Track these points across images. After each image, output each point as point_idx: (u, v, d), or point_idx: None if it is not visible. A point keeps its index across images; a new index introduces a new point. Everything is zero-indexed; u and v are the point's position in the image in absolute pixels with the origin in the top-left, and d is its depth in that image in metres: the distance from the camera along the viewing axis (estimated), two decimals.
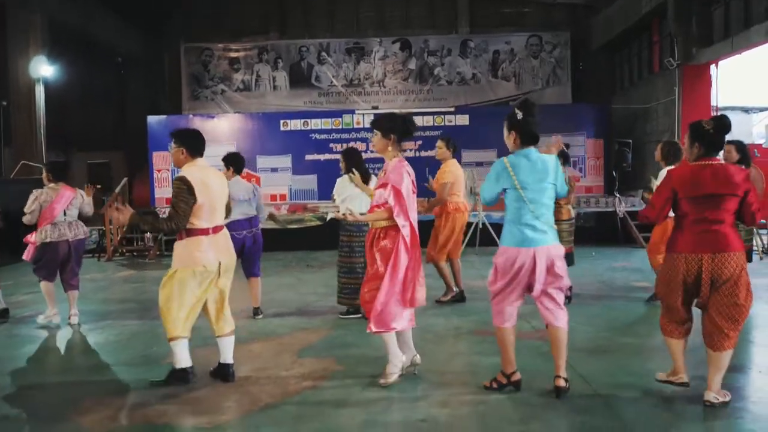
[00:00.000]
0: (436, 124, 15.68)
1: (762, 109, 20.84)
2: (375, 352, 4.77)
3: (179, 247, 4.11)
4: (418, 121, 15.64)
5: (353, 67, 18.04)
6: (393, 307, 4.09)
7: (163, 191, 15.40)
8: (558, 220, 6.45)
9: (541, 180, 3.89)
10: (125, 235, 12.50)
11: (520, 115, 3.94)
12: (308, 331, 5.88)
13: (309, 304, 7.25)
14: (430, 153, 16.25)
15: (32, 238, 6.27)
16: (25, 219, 6.20)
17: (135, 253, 12.20)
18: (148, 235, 12.33)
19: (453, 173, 6.61)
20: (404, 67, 18.02)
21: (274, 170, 15.63)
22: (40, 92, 13.32)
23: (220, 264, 4.12)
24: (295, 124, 15.66)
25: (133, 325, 6.37)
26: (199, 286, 4.08)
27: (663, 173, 6.15)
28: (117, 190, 12.78)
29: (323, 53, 18.04)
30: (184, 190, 3.97)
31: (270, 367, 4.73)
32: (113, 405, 3.99)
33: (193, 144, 4.22)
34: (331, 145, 15.59)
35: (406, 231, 4.07)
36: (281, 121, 15.75)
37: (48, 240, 6.14)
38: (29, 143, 13.18)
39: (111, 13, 16.31)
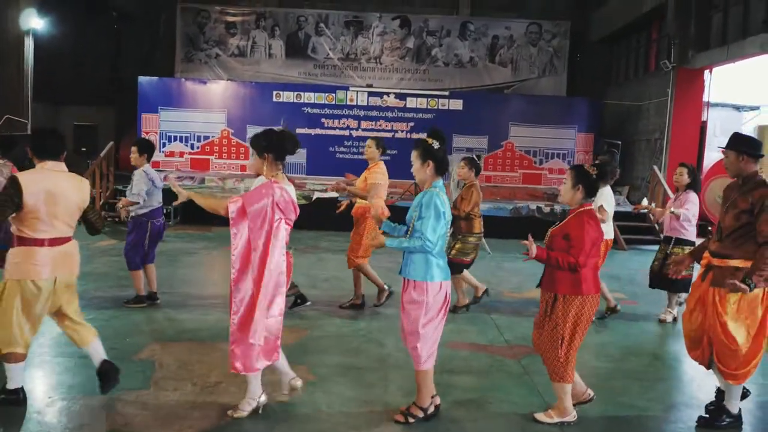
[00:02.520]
0: (429, 107, 15.63)
1: (753, 108, 20.89)
2: (352, 359, 4.69)
3: (12, 255, 3.73)
4: (412, 102, 15.68)
5: (351, 41, 17.85)
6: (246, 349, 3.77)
7: None
8: (470, 233, 6.49)
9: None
10: (107, 200, 12.43)
11: (436, 145, 3.81)
12: (284, 330, 5.87)
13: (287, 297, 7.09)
14: (422, 136, 16.18)
15: None
16: None
17: (117, 219, 12.08)
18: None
19: (384, 175, 6.33)
20: (402, 45, 17.86)
21: None
22: (29, 45, 13.08)
23: (56, 280, 3.74)
24: (288, 96, 15.57)
25: (108, 310, 6.04)
26: (32, 301, 3.70)
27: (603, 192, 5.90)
28: (102, 154, 12.63)
29: (321, 24, 17.82)
30: (7, 193, 3.61)
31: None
32: (75, 408, 3.89)
33: (40, 145, 3.83)
34: (323, 120, 15.53)
35: (236, 249, 3.69)
36: (274, 92, 15.64)
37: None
38: (16, 95, 12.99)
39: None
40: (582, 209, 3.85)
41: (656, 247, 6.80)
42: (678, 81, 13.15)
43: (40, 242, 3.71)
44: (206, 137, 15.50)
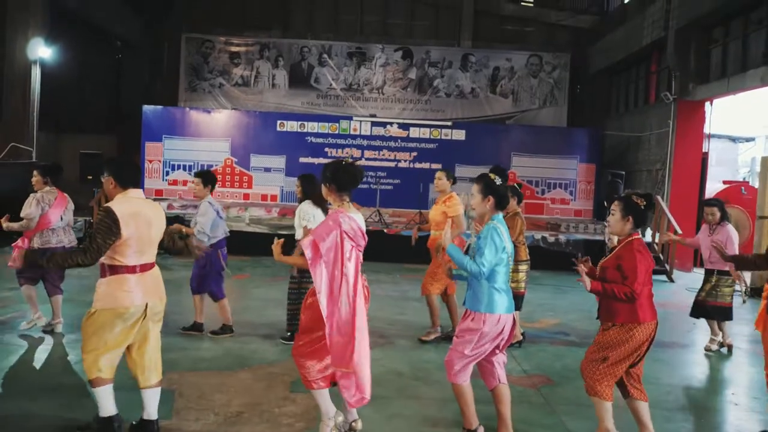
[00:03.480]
0: (432, 136, 15.75)
1: (748, 139, 21.13)
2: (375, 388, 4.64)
3: (102, 285, 3.77)
4: (415, 132, 15.82)
5: (353, 72, 18.06)
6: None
7: (153, 182, 15.36)
8: (518, 261, 6.29)
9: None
10: None
11: (498, 181, 3.95)
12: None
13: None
14: (425, 165, 16.41)
15: (22, 242, 5.98)
16: (22, 225, 5.89)
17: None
18: None
19: (462, 206, 6.38)
20: (404, 76, 18.07)
21: (267, 170, 15.64)
22: (36, 74, 13.20)
23: (147, 306, 3.78)
24: (292, 126, 15.68)
25: None
26: (122, 328, 3.72)
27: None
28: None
29: (324, 55, 18.04)
30: (106, 224, 3.65)
31: (261, 402, 4.55)
32: None
33: (124, 174, 3.87)
34: (327, 149, 15.63)
35: (320, 283, 3.69)
36: (278, 122, 15.76)
37: (47, 246, 5.90)
38: (21, 124, 13.07)
39: None
40: (632, 238, 3.87)
41: (663, 277, 6.90)
42: (679, 113, 13.30)
43: (132, 269, 3.76)
44: (210, 165, 15.51)
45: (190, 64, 18.00)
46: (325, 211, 5.76)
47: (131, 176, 3.90)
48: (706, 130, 13.56)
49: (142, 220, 3.76)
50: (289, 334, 6.05)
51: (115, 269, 3.73)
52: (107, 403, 3.75)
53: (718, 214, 6.64)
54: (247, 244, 10.86)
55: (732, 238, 6.52)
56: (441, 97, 18.09)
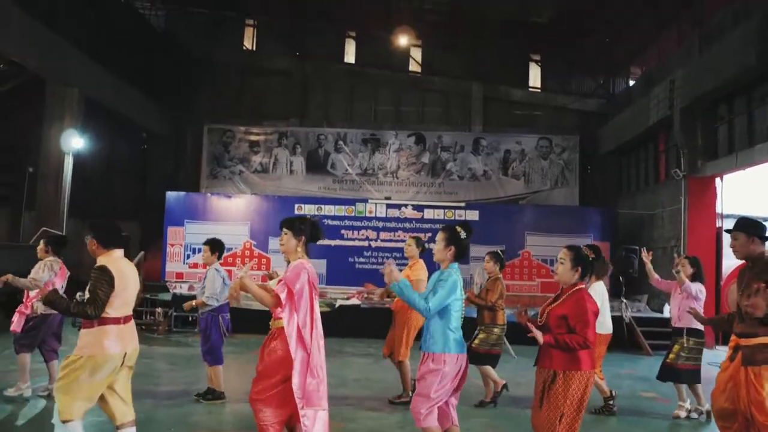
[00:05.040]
0: (446, 218, 16.04)
1: (765, 219, 21.18)
2: None
3: (88, 335, 4.09)
4: (429, 214, 16.13)
5: (368, 157, 18.66)
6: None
7: (174, 265, 15.65)
8: (494, 324, 6.70)
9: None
10: (136, 307, 12.57)
11: (463, 235, 4.27)
12: None
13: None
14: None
15: (25, 308, 6.34)
16: (27, 284, 6.23)
17: (143, 327, 12.22)
18: (159, 309, 12.42)
19: (425, 271, 6.59)
20: (418, 161, 18.63)
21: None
22: (68, 163, 13.74)
23: (125, 354, 4.14)
24: (309, 209, 16.07)
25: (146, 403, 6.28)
26: (101, 376, 4.05)
27: (596, 288, 6.45)
28: (134, 262, 12.92)
29: (340, 142, 18.72)
30: (105, 279, 4.04)
31: None
32: None
33: (107, 236, 4.27)
34: (343, 231, 15.92)
35: (290, 329, 4.00)
36: (296, 205, 16.17)
37: (48, 312, 6.23)
38: (53, 211, 13.49)
39: (140, 92, 17.09)
40: (578, 288, 4.03)
41: None
42: (690, 189, 13.49)
43: (117, 320, 4.14)
44: (229, 249, 15.82)
45: (212, 153, 18.73)
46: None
47: (114, 238, 4.29)
48: (719, 206, 13.68)
49: (127, 276, 4.20)
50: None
51: (102, 320, 4.07)
52: None
53: (687, 266, 6.59)
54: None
55: (698, 296, 6.40)
56: (454, 180, 18.54)
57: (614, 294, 14.60)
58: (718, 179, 13.43)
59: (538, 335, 3.88)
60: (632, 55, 18.37)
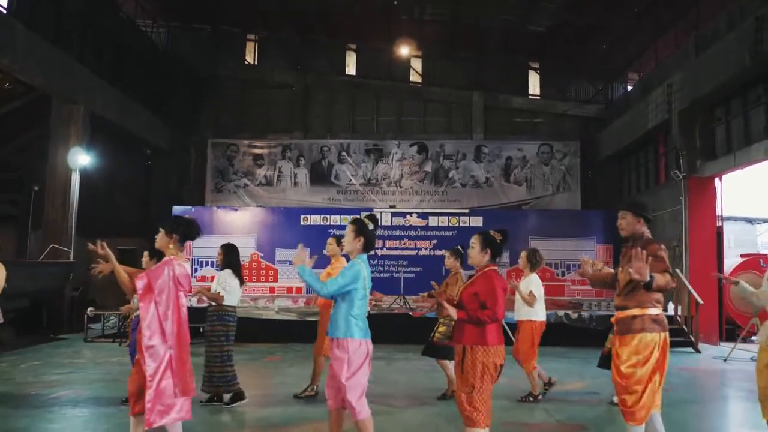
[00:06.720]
0: (450, 224, 16.21)
1: (765, 220, 21.31)
2: None
3: None
4: (434, 221, 16.30)
5: (371, 167, 18.86)
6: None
7: None
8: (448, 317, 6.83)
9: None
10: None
11: (371, 226, 4.45)
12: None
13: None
14: (444, 252, 16.71)
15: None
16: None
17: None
18: None
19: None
20: (420, 169, 18.83)
21: (291, 263, 16.03)
22: (75, 180, 13.92)
23: None
24: (315, 219, 16.25)
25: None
26: None
27: (532, 279, 6.96)
28: None
29: (343, 153, 18.93)
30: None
31: None
32: None
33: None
34: None
35: (148, 320, 4.16)
36: (301, 216, 16.36)
37: None
38: (60, 228, 13.66)
39: (144, 109, 17.34)
40: (488, 269, 4.25)
41: (688, 349, 6.89)
42: (690, 190, 13.68)
43: None
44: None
45: (216, 167, 18.95)
46: (242, 282, 6.65)
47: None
48: (719, 207, 13.86)
49: None
50: (230, 395, 6.53)
51: None
52: None
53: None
54: (276, 331, 11.13)
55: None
56: (457, 188, 18.73)
57: None
58: (717, 179, 13.62)
59: (452, 311, 4.10)
60: (630, 60, 18.59)
